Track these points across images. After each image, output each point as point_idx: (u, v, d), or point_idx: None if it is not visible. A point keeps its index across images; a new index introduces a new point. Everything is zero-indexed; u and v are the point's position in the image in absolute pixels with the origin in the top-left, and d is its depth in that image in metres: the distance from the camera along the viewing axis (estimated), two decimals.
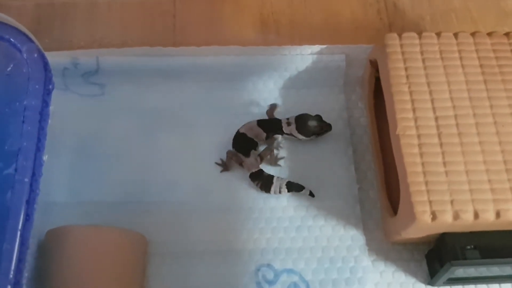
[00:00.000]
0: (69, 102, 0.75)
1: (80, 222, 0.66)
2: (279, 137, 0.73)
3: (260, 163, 0.72)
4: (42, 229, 0.64)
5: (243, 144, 0.72)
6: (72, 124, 0.74)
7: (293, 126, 0.72)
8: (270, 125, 0.73)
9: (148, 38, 0.82)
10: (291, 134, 0.73)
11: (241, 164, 0.72)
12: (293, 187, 0.71)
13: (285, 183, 0.70)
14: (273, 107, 0.76)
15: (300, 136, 0.72)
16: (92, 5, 0.86)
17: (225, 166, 0.73)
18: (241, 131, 0.73)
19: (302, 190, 0.70)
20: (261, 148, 0.74)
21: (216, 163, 0.73)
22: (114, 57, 0.76)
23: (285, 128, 0.73)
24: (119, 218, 0.68)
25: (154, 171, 0.72)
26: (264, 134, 0.73)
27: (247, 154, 0.72)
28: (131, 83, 0.77)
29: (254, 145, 0.73)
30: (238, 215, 0.70)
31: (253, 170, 0.71)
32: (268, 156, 0.73)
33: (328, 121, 0.73)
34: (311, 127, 0.72)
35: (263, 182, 0.71)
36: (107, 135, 0.74)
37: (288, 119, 0.73)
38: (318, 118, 0.73)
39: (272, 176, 0.71)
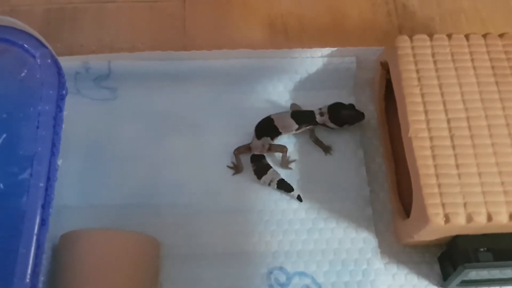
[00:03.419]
0: (81, 106, 0.75)
1: (91, 225, 0.66)
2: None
3: (266, 152, 0.72)
4: (54, 232, 0.64)
5: (263, 127, 0.73)
6: (83, 128, 0.74)
7: (326, 116, 0.73)
8: (303, 116, 0.74)
9: (158, 42, 0.82)
10: (324, 124, 0.73)
11: (249, 149, 0.73)
12: (284, 186, 0.71)
13: (277, 179, 0.71)
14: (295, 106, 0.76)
15: (333, 126, 0.73)
16: (101, 9, 0.86)
17: (236, 168, 0.73)
18: (271, 116, 0.74)
19: (291, 192, 0.71)
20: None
21: (228, 166, 0.73)
22: (125, 62, 0.77)
23: (318, 119, 0.73)
24: (129, 221, 0.68)
25: (165, 174, 0.73)
26: (296, 126, 0.73)
27: (259, 137, 0.72)
28: (142, 87, 0.77)
29: (273, 133, 0.73)
30: (249, 218, 0.70)
31: (256, 153, 0.72)
32: (281, 155, 0.73)
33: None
34: (344, 116, 0.73)
35: (259, 167, 0.72)
36: (118, 139, 0.74)
37: (320, 109, 0.74)
38: (351, 107, 0.74)
39: (270, 167, 0.72)
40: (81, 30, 0.84)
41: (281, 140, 0.75)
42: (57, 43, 0.80)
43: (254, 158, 0.72)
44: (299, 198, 0.71)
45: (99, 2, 0.86)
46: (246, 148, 0.73)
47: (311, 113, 0.74)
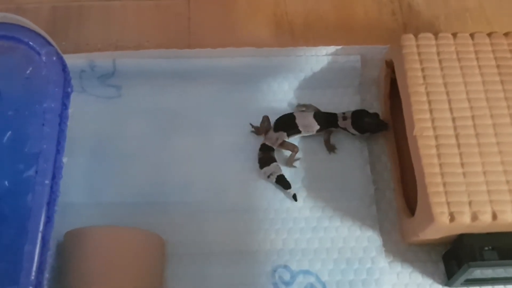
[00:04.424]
0: (86, 104, 0.75)
1: (97, 223, 0.67)
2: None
3: (278, 146, 0.73)
4: (60, 230, 0.64)
5: (283, 122, 0.73)
6: (89, 126, 0.74)
7: (348, 121, 0.73)
8: (326, 118, 0.74)
9: (163, 40, 0.82)
10: (345, 129, 0.73)
11: (266, 132, 0.73)
12: (282, 182, 0.71)
13: (278, 173, 0.71)
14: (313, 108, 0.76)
15: (354, 132, 0.73)
16: (107, 7, 0.86)
17: (257, 130, 0.74)
18: (294, 113, 0.74)
19: (287, 189, 0.71)
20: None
21: (251, 124, 0.75)
22: (130, 60, 0.77)
23: (340, 122, 0.73)
24: (135, 219, 0.68)
25: (171, 172, 0.73)
26: (317, 127, 0.73)
27: (276, 130, 0.73)
28: (147, 85, 0.77)
29: (291, 130, 0.73)
30: (254, 216, 0.70)
31: (268, 144, 0.72)
32: (289, 154, 0.73)
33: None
34: (366, 124, 0.72)
35: (264, 158, 0.72)
36: (124, 137, 0.74)
37: (344, 113, 0.74)
38: (375, 115, 0.73)
39: (274, 161, 0.72)
40: (86, 28, 0.84)
41: (291, 139, 0.74)
42: (62, 41, 0.80)
43: (263, 148, 0.73)
44: (294, 197, 0.71)
45: (105, 0, 0.86)
46: (266, 128, 0.74)
47: (333, 116, 0.74)
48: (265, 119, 0.75)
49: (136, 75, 0.77)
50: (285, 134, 0.73)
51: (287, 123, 0.73)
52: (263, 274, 0.67)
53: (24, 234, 0.56)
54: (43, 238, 0.56)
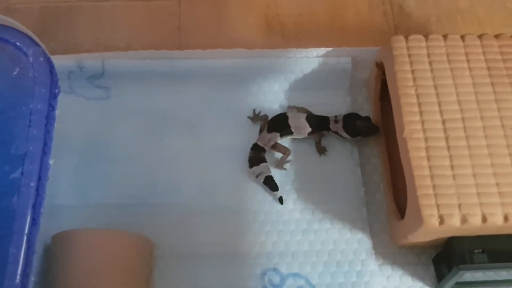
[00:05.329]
0: (75, 105, 0.75)
1: (85, 225, 0.66)
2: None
3: (270, 147, 0.73)
4: (48, 232, 0.64)
5: (276, 122, 0.73)
6: (77, 127, 0.74)
7: (340, 125, 0.72)
8: (318, 121, 0.73)
9: (153, 41, 0.82)
10: (336, 132, 0.73)
11: (259, 132, 0.74)
12: (269, 183, 0.71)
13: (266, 174, 0.71)
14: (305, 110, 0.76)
15: (346, 135, 0.72)
16: (97, 8, 0.86)
17: (253, 118, 0.75)
18: (287, 113, 0.74)
19: (274, 191, 0.71)
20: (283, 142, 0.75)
21: (248, 117, 0.76)
22: (119, 60, 0.76)
23: (332, 126, 0.73)
24: (125, 221, 0.68)
25: (160, 173, 0.72)
26: (309, 129, 0.73)
27: (270, 131, 0.73)
28: (136, 86, 0.77)
29: (284, 131, 0.73)
30: (244, 218, 0.70)
31: (259, 144, 0.72)
32: (280, 157, 0.73)
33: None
34: (358, 127, 0.72)
35: (254, 157, 0.72)
36: (113, 138, 0.74)
37: (336, 117, 0.73)
38: (367, 119, 0.73)
39: (264, 162, 0.72)
40: (76, 29, 0.83)
41: (283, 140, 0.74)
42: (51, 42, 0.80)
43: (255, 147, 0.73)
44: (280, 200, 0.71)
45: (95, 1, 0.86)
46: (262, 126, 0.74)
47: (325, 119, 0.74)
48: (264, 117, 0.75)
49: (125, 76, 0.76)
50: (278, 135, 0.73)
51: (280, 123, 0.73)
52: (252, 276, 0.67)
53: (9, 237, 0.55)
54: (28, 240, 0.55)
